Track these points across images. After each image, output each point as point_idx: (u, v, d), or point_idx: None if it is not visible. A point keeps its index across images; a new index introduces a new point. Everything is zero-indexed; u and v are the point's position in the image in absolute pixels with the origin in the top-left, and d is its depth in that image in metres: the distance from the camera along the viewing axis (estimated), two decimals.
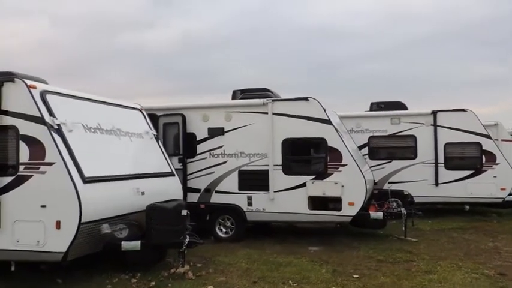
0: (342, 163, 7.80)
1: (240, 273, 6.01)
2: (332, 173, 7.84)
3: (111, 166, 5.98)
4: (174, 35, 38.99)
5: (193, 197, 8.58)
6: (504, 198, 10.76)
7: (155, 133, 7.61)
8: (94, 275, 5.86)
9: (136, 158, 6.81)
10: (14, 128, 5.33)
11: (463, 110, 11.07)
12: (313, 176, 7.94)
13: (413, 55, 38.88)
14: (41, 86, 5.58)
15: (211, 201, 8.51)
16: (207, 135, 8.62)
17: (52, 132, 5.26)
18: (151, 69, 40.08)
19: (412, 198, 10.87)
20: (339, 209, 7.77)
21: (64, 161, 5.14)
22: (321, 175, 7.89)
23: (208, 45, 40.72)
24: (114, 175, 5.90)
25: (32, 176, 5.20)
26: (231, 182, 8.36)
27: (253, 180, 8.23)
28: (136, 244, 5.82)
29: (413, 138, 11.24)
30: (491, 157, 10.81)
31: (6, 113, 5.38)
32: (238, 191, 8.31)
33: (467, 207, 11.18)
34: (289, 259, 6.77)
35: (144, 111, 7.72)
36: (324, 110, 8.01)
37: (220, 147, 8.51)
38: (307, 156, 8.50)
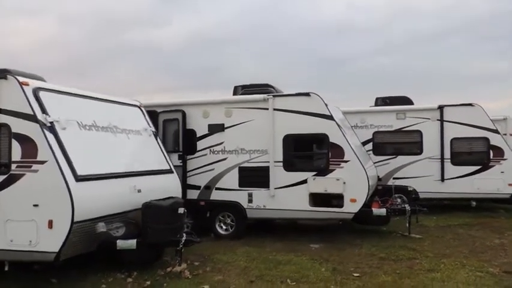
0: (344, 159, 7.64)
1: (237, 272, 5.90)
2: (334, 169, 7.68)
3: (106, 164, 5.88)
4: (180, 32, 38.95)
5: (193, 194, 8.48)
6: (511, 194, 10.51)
7: (154, 130, 7.51)
8: (89, 274, 5.79)
9: (134, 155, 6.71)
10: (6, 126, 5.25)
11: (470, 104, 10.82)
12: (315, 173, 7.79)
13: (419, 50, 38.36)
14: (33, 83, 5.49)
15: (211, 198, 8.40)
16: (207, 132, 8.50)
17: (44, 130, 5.17)
18: (158, 66, 40.12)
19: (417, 194, 10.68)
20: (341, 206, 7.62)
21: (56, 159, 5.05)
22: (323, 171, 7.74)
23: (214, 42, 40.57)
24: (109, 173, 5.80)
25: (24, 174, 5.13)
26: (231, 179, 8.25)
27: (254, 177, 8.10)
28: (132, 243, 5.74)
29: (419, 133, 11.02)
30: (498, 152, 10.56)
31: None
32: (238, 188, 8.19)
33: (474, 203, 10.93)
34: (289, 257, 6.64)
35: (142, 108, 7.62)
36: (326, 105, 7.84)
37: (221, 143, 8.39)
38: (308, 152, 8.36)
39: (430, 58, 36.66)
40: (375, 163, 10.09)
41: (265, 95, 8.09)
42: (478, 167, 10.62)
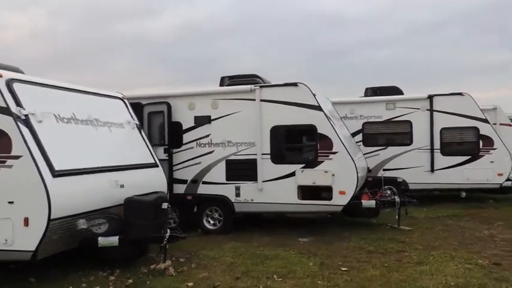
0: (333, 151, 7.51)
1: (223, 268, 5.76)
2: (322, 161, 7.54)
3: (86, 158, 5.67)
4: (173, 24, 38.39)
5: (180, 189, 8.31)
6: (501, 184, 10.51)
7: (137, 123, 7.29)
8: (71, 272, 5.60)
9: (116, 149, 6.50)
10: None
11: (460, 93, 10.75)
12: (303, 165, 7.65)
13: (417, 41, 38.25)
14: (7, 74, 5.24)
15: (198, 192, 8.23)
16: (193, 124, 8.30)
17: (19, 123, 4.95)
18: (151, 59, 39.57)
19: (407, 185, 10.61)
20: (330, 199, 7.50)
21: (31, 153, 4.83)
22: (311, 163, 7.60)
23: (208, 33, 40.10)
24: (89, 167, 5.59)
25: None
26: (219, 172, 8.08)
27: (241, 170, 7.94)
28: (114, 240, 5.55)
29: (409, 123, 10.94)
30: (488, 142, 10.52)
31: None
32: (225, 182, 8.03)
33: (464, 193, 10.92)
34: (277, 251, 6.52)
35: (126, 100, 7.39)
36: (314, 95, 7.68)
37: (207, 136, 8.20)
38: (296, 144, 8.21)
39: (427, 49, 36.64)
40: (364, 154, 9.98)
41: (251, 86, 7.89)
42: (468, 157, 10.58)
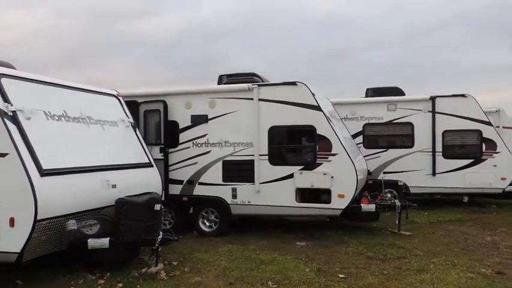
0: (332, 152, 7.31)
1: (217, 273, 5.57)
2: (321, 163, 7.34)
3: (76, 157, 5.48)
4: (177, 24, 38.17)
5: (176, 189, 8.12)
6: (504, 189, 10.29)
7: (132, 121, 7.10)
8: (59, 274, 5.42)
9: (109, 148, 6.30)
10: None
11: (462, 95, 10.53)
12: (301, 167, 7.45)
13: (415, 43, 38.00)
14: None
15: (194, 193, 8.04)
16: (190, 123, 8.11)
17: (6, 120, 4.77)
18: (154, 58, 39.38)
19: (408, 188, 10.41)
20: (329, 202, 7.30)
21: (18, 151, 4.65)
22: (310, 165, 7.40)
23: (211, 33, 39.88)
24: (80, 167, 5.41)
25: None
26: (215, 173, 7.88)
27: (238, 171, 7.74)
28: (104, 242, 5.38)
29: (410, 125, 10.73)
30: (491, 145, 10.31)
31: None
32: (222, 183, 7.84)
33: (466, 198, 10.72)
34: (273, 256, 6.32)
35: (120, 98, 7.21)
36: (313, 95, 7.47)
37: (204, 136, 8.01)
38: (295, 145, 8.01)
39: (430, 50, 36.39)
40: (365, 156, 9.79)
41: (249, 84, 7.70)
42: (470, 161, 10.37)
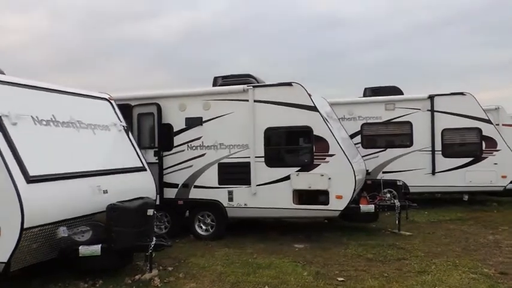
0: (329, 153, 7.17)
1: (212, 278, 5.41)
2: (318, 164, 7.21)
3: (66, 163, 5.34)
4: (175, 25, 38.08)
5: (171, 193, 7.98)
6: (505, 187, 10.17)
7: (125, 125, 6.97)
8: (50, 283, 5.26)
9: (99, 152, 6.17)
10: None
11: (461, 93, 10.41)
12: (298, 168, 7.31)
13: (413, 42, 37.93)
14: None
15: (189, 197, 7.89)
16: (184, 126, 7.97)
17: None
18: (153, 60, 39.24)
19: (407, 188, 10.28)
20: (327, 203, 7.16)
21: (3, 158, 4.51)
22: (307, 167, 7.26)
23: (211, 34, 39.78)
24: (69, 172, 5.26)
25: None
26: (211, 176, 7.74)
27: (234, 173, 7.60)
28: (96, 249, 5.24)
29: (409, 124, 10.61)
30: (491, 143, 10.18)
31: None
32: (218, 186, 7.69)
33: (466, 196, 10.59)
34: (270, 260, 6.17)
35: (112, 101, 7.08)
36: (310, 95, 7.34)
37: (199, 138, 7.87)
38: (291, 146, 7.87)
39: (427, 49, 36.29)
40: (363, 156, 9.66)
41: (244, 86, 7.57)
42: (470, 159, 10.24)
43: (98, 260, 5.28)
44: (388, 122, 10.76)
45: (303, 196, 7.39)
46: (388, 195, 9.09)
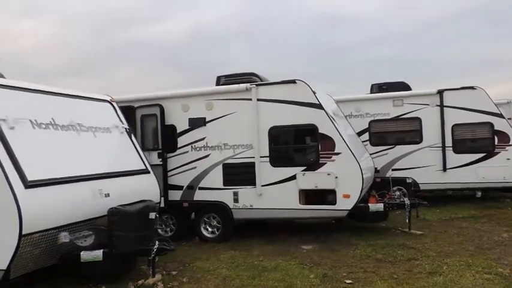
0: (335, 151, 7.00)
1: (217, 283, 5.29)
2: (325, 163, 7.04)
3: (66, 166, 5.24)
4: (182, 28, 38.09)
5: (176, 195, 7.87)
6: None
7: (127, 127, 6.87)
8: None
9: (101, 155, 6.07)
10: None
11: (471, 87, 10.13)
12: (304, 167, 7.15)
13: (421, 37, 37.36)
14: None
15: (195, 198, 7.78)
16: (187, 127, 7.86)
17: None
18: (161, 63, 39.32)
19: (418, 185, 10.04)
20: (334, 203, 6.99)
21: (1, 163, 4.43)
22: (313, 166, 7.10)
23: (218, 36, 39.71)
24: (69, 176, 5.16)
25: None
26: (215, 177, 7.62)
27: (239, 174, 7.47)
28: (97, 254, 5.13)
29: (418, 120, 10.36)
30: (504, 138, 9.89)
31: None
32: (223, 187, 7.57)
33: (479, 193, 10.28)
34: (277, 262, 6.03)
35: (114, 103, 6.99)
36: (314, 93, 7.18)
37: (202, 139, 7.75)
38: (296, 145, 7.71)
39: (435, 45, 35.73)
40: (371, 154, 9.46)
41: (247, 84, 7.43)
42: (482, 155, 9.96)
43: (100, 266, 5.18)
44: (396, 119, 10.53)
45: (309, 196, 7.23)
46: (398, 193, 8.87)
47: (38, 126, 5.20)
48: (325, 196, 7.16)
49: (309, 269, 5.65)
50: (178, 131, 7.90)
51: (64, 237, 5.02)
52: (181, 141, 7.88)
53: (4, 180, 4.37)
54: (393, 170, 10.31)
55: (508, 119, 11.09)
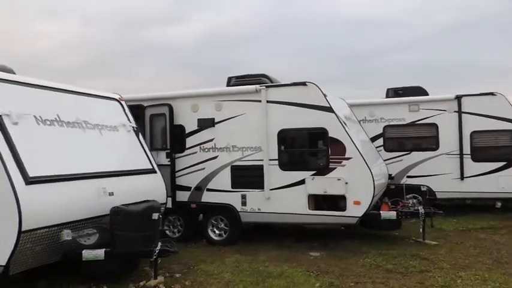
0: (346, 156, 6.78)
1: (219, 287, 5.13)
2: (335, 168, 6.83)
3: (69, 164, 5.19)
4: (199, 30, 38.29)
5: (183, 196, 7.77)
6: None
7: (134, 126, 6.80)
8: (53, 286, 5.12)
9: (106, 154, 6.00)
10: None
11: (491, 93, 9.75)
12: (313, 172, 6.95)
13: (440, 44, 36.61)
14: None
15: (202, 200, 7.66)
16: (196, 127, 7.76)
17: None
18: (178, 64, 39.52)
19: (434, 194, 9.69)
20: (344, 209, 6.77)
21: (2, 158, 4.38)
22: (322, 170, 6.90)
23: (236, 38, 39.79)
24: (72, 174, 5.10)
25: None
26: (223, 179, 7.48)
27: (247, 177, 7.32)
28: (99, 253, 5.05)
29: (435, 126, 10.02)
30: None
31: None
32: (231, 189, 7.42)
33: (499, 203, 9.85)
34: (282, 268, 5.84)
35: (123, 102, 6.93)
36: (325, 95, 6.99)
37: (211, 140, 7.64)
38: (306, 149, 7.51)
39: (454, 51, 34.90)
40: (385, 160, 9.19)
41: (257, 86, 7.28)
42: (503, 163, 9.55)
43: (101, 265, 5.10)
44: (412, 124, 10.22)
45: (319, 201, 7.02)
46: (413, 201, 8.56)
47: (43, 122, 5.16)
48: (335, 202, 6.94)
49: (315, 277, 5.45)
50: (187, 132, 7.81)
51: (67, 234, 4.95)
52: (190, 141, 7.78)
53: (5, 176, 4.33)
54: (408, 177, 10.00)
55: None
